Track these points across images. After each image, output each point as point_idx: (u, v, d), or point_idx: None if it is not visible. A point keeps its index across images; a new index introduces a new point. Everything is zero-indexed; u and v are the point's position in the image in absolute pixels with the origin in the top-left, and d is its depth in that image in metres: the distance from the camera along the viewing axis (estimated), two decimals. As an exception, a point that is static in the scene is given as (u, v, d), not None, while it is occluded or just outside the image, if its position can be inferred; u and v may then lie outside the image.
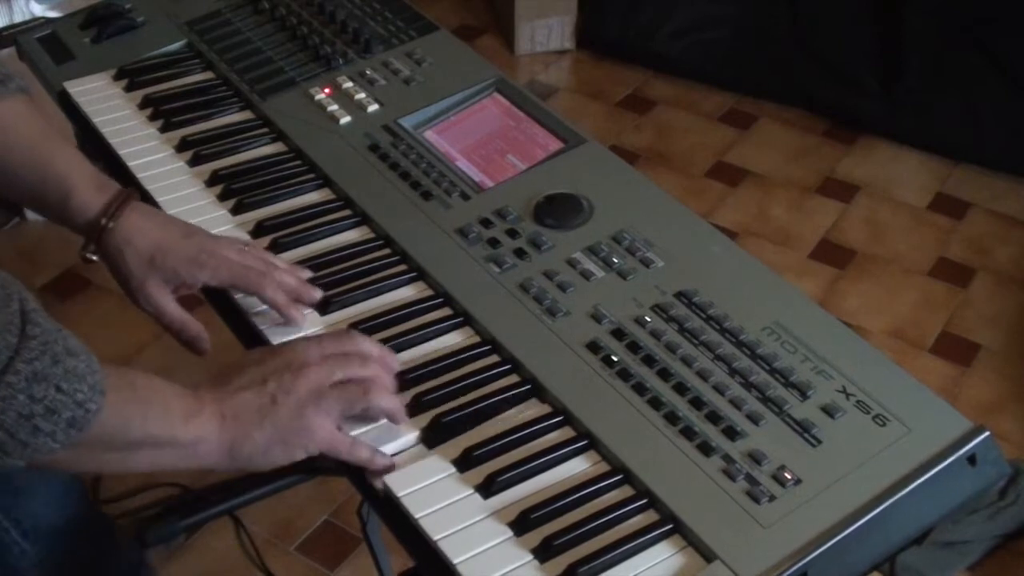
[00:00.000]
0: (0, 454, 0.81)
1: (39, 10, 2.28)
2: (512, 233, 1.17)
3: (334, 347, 1.01)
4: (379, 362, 1.02)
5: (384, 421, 1.00)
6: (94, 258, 1.13)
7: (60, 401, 0.81)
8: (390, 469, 0.96)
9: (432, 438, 0.99)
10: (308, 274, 1.14)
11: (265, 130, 1.35)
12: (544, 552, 0.89)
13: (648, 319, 1.06)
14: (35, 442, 0.81)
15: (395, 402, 0.99)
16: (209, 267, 1.10)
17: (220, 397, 0.95)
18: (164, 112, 1.36)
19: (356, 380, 0.99)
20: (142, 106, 1.38)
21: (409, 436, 0.99)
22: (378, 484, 0.96)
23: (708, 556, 0.89)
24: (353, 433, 0.98)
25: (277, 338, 1.09)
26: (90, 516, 1.28)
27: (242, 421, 0.95)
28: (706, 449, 0.95)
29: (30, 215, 2.50)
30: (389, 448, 0.98)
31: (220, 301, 1.15)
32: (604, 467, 0.96)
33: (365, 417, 0.99)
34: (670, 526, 0.91)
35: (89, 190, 1.12)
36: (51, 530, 1.17)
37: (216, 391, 0.96)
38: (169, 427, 0.91)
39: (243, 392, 0.96)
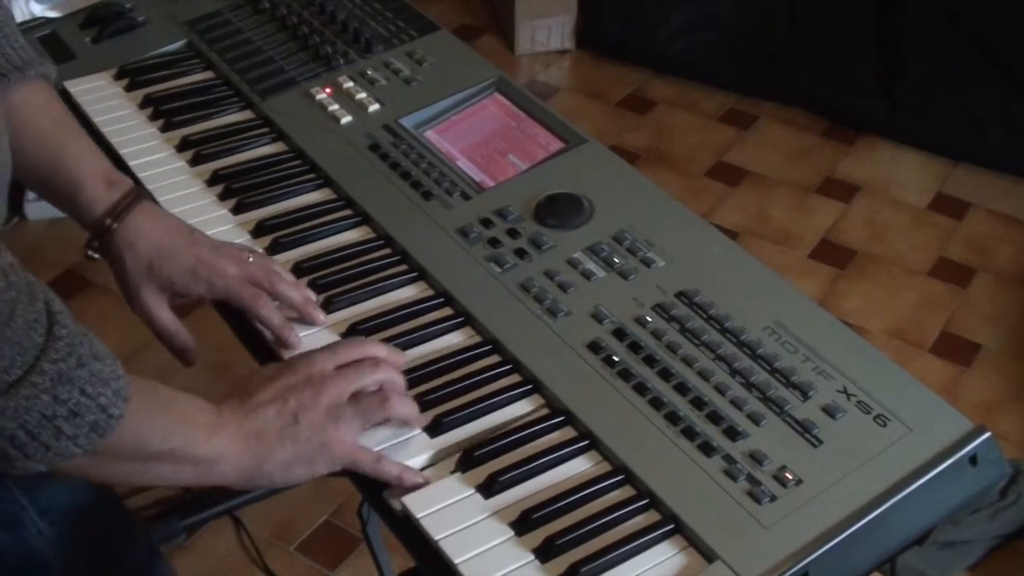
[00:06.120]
0: (21, 457, 0.80)
1: (39, 10, 2.28)
2: (513, 233, 1.16)
3: (346, 355, 1.00)
4: (387, 361, 1.01)
5: (394, 430, 0.99)
6: (96, 256, 1.12)
7: (84, 404, 0.80)
8: (420, 486, 0.95)
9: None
10: (314, 296, 1.12)
11: (265, 130, 1.35)
12: (545, 552, 0.89)
13: (649, 319, 1.06)
14: (57, 445, 0.80)
15: (413, 408, 0.99)
16: (205, 280, 1.09)
17: (243, 414, 0.94)
18: (165, 112, 1.36)
19: (373, 390, 0.98)
20: (142, 106, 1.38)
21: (419, 441, 0.99)
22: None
23: (709, 556, 0.88)
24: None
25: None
26: (108, 500, 1.28)
27: (264, 440, 0.94)
28: (707, 449, 0.95)
29: (30, 215, 2.50)
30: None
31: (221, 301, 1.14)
32: (605, 467, 0.96)
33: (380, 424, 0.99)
34: (671, 526, 0.91)
35: (98, 187, 1.11)
36: (69, 512, 1.17)
37: (238, 407, 0.95)
38: (190, 441, 0.90)
39: (265, 409, 0.95)
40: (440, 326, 1.09)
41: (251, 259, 1.11)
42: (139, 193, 1.13)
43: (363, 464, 0.96)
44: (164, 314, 1.11)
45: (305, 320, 1.10)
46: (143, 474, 0.91)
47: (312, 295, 1.12)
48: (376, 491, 0.96)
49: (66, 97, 1.39)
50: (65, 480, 1.15)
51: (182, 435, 0.90)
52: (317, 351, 1.01)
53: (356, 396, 0.98)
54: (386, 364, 1.01)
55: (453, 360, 1.06)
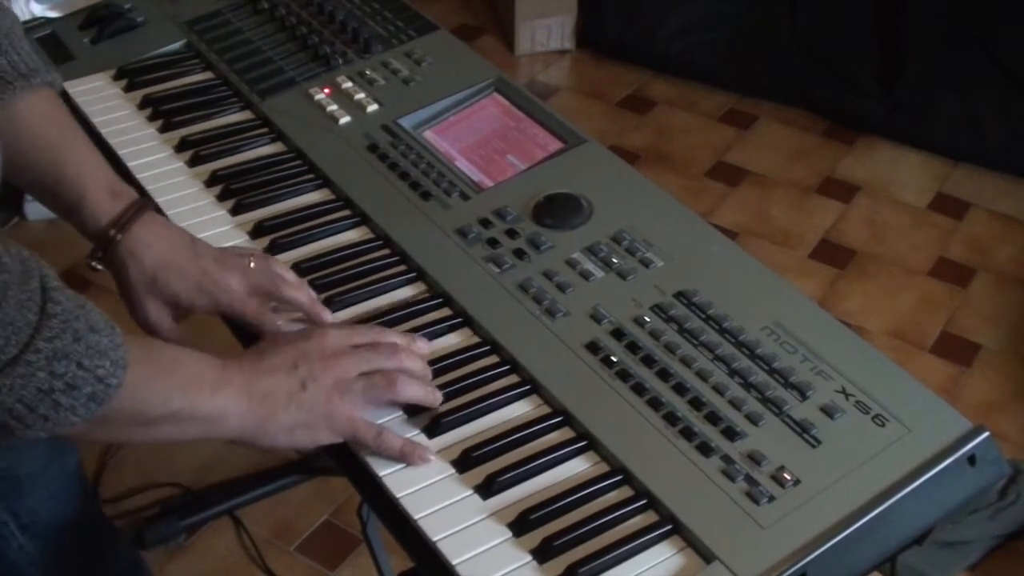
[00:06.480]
0: (21, 428, 0.82)
1: (39, 10, 2.28)
2: (511, 233, 1.16)
3: (363, 337, 1.02)
4: (407, 351, 1.02)
5: (397, 416, 1.00)
6: (99, 267, 1.11)
7: (81, 377, 0.82)
8: (427, 460, 0.96)
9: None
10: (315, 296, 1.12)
11: (265, 130, 1.35)
12: (543, 553, 0.89)
13: (648, 319, 1.06)
14: (56, 416, 0.82)
15: (423, 390, 1.00)
16: (209, 295, 1.09)
17: (252, 373, 0.96)
18: (164, 112, 1.36)
19: (383, 371, 0.99)
20: (142, 106, 1.38)
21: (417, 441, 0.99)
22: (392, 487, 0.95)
23: (707, 557, 0.88)
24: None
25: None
26: (90, 514, 1.28)
27: (270, 401, 0.95)
28: (705, 450, 0.95)
29: (30, 215, 2.50)
30: None
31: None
32: (603, 467, 0.96)
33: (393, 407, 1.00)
34: (669, 527, 0.91)
35: (102, 198, 1.10)
36: (50, 526, 1.17)
37: (249, 366, 0.96)
38: (193, 401, 0.92)
39: (274, 373, 0.97)
40: (438, 326, 1.09)
41: (253, 264, 1.10)
42: (143, 204, 1.12)
43: (364, 437, 0.97)
44: (167, 328, 1.11)
45: (312, 320, 1.10)
46: (147, 435, 0.92)
47: (315, 294, 1.12)
48: (375, 491, 0.96)
49: (65, 98, 1.39)
50: (48, 492, 1.16)
51: (184, 397, 0.91)
52: (335, 327, 1.03)
53: (367, 374, 0.99)
54: (406, 352, 1.02)
55: (452, 360, 1.06)
